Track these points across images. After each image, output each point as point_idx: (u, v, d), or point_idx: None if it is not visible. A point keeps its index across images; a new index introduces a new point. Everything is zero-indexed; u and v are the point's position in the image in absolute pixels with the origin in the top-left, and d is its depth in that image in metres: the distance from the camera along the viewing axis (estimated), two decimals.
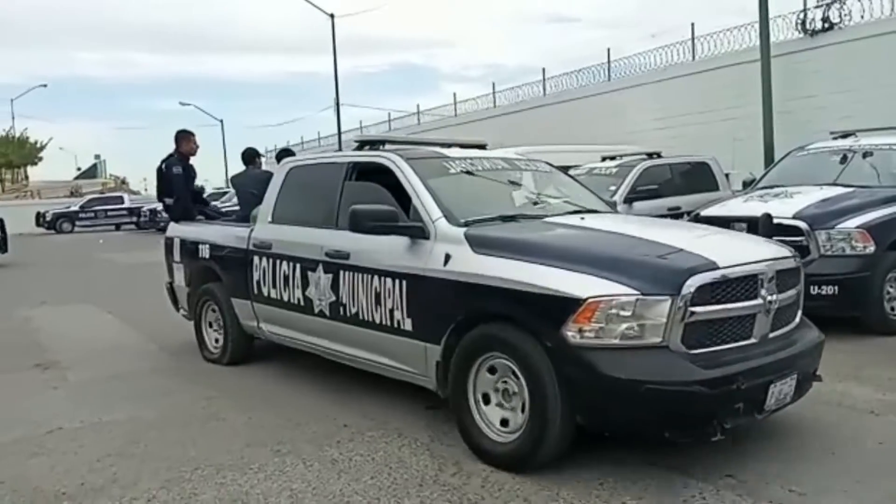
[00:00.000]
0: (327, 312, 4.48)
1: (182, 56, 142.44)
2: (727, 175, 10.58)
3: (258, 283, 5.12)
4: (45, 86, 58.43)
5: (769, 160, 12.93)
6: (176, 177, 6.63)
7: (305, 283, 4.65)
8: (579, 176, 7.61)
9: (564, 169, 5.74)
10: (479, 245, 3.66)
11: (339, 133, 29.80)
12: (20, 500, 3.34)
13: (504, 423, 3.47)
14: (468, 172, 4.50)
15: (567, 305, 3.12)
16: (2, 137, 49.79)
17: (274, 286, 4.97)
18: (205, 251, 5.83)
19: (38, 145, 51.56)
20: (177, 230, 6.42)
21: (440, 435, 3.92)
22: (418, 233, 3.93)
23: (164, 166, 6.72)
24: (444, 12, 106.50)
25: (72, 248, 21.47)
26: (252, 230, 5.29)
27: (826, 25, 15.50)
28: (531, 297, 3.26)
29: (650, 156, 10.09)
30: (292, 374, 5.37)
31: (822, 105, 14.63)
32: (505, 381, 3.45)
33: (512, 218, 4.13)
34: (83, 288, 11.60)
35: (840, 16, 15.33)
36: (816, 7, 15.79)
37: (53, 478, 3.57)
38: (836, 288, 5.82)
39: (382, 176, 4.34)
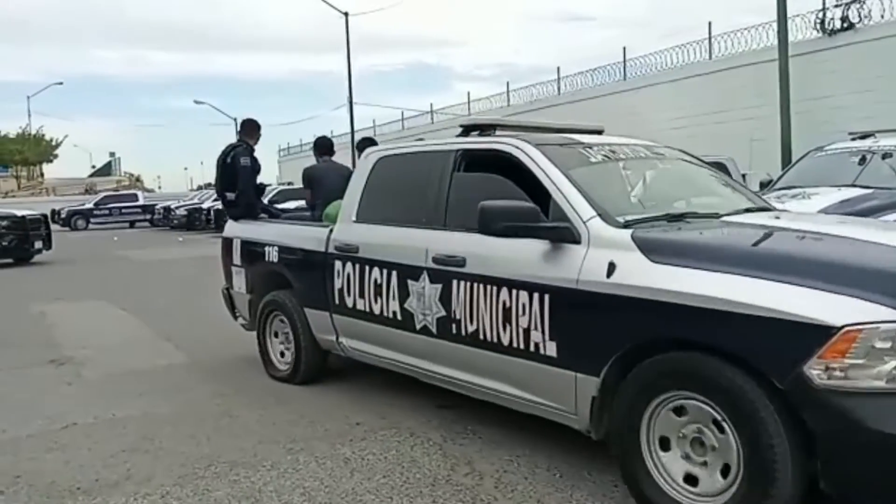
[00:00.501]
0: (433, 329, 3.77)
1: (197, 54, 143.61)
2: (744, 175, 10.49)
3: (340, 291, 4.41)
4: (61, 83, 59.23)
5: (787, 161, 12.82)
6: (243, 169, 5.87)
7: (404, 294, 3.93)
8: None
9: None
10: (656, 251, 2.91)
11: (353, 131, 29.86)
12: (36, 495, 3.35)
13: (690, 480, 2.77)
14: (610, 161, 3.80)
15: (811, 335, 2.37)
16: (18, 135, 50.31)
17: (361, 296, 4.25)
18: (272, 254, 5.09)
19: (54, 143, 52.13)
20: (237, 229, 5.68)
21: (453, 435, 3.90)
22: (565, 236, 3.18)
23: (228, 157, 5.94)
24: (458, 11, 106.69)
25: (86, 245, 21.62)
26: (331, 231, 4.58)
27: (845, 25, 15.37)
28: (749, 322, 2.51)
29: None
30: None
31: (841, 105, 14.51)
32: (699, 431, 2.74)
33: (679, 217, 3.40)
34: (98, 284, 11.68)
35: (859, 15, 15.21)
36: (835, 6, 15.66)
37: (68, 473, 3.58)
38: None
39: (501, 166, 3.63)
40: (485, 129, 4.15)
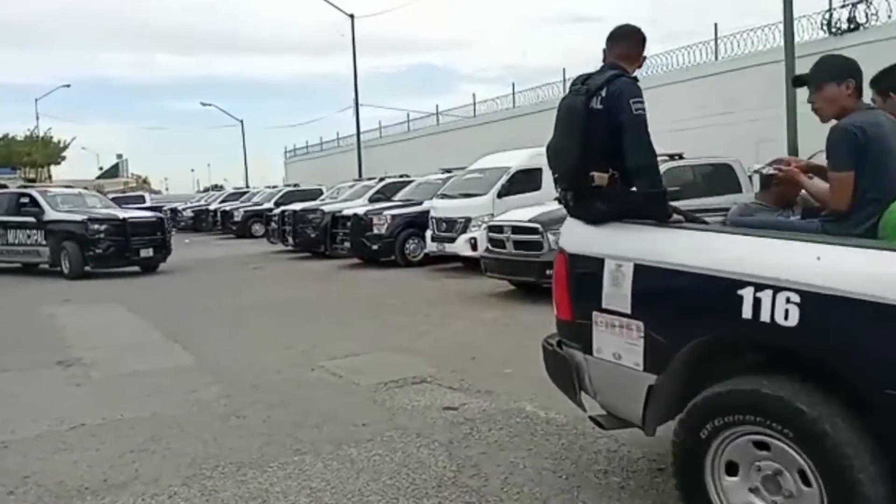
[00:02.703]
0: None
1: (204, 57, 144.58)
2: (750, 177, 10.47)
3: None
4: (68, 86, 58.95)
5: None
6: (636, 120, 3.02)
7: None
8: None
9: None
10: None
11: (358, 133, 29.88)
12: (45, 495, 3.38)
13: None
14: None
15: None
16: (26, 137, 50.60)
17: None
18: (766, 308, 2.28)
19: (62, 145, 52.35)
20: (619, 241, 2.90)
21: (459, 437, 3.90)
22: None
23: (596, 99, 3.04)
24: (464, 13, 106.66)
25: None
26: None
27: (852, 26, 15.29)
28: None
29: (672, 157, 10.00)
30: (311, 374, 5.39)
31: None
32: None
33: None
34: (106, 286, 11.73)
35: (866, 16, 15.13)
36: (842, 7, 15.60)
37: (76, 473, 3.61)
38: None
39: None
40: None
